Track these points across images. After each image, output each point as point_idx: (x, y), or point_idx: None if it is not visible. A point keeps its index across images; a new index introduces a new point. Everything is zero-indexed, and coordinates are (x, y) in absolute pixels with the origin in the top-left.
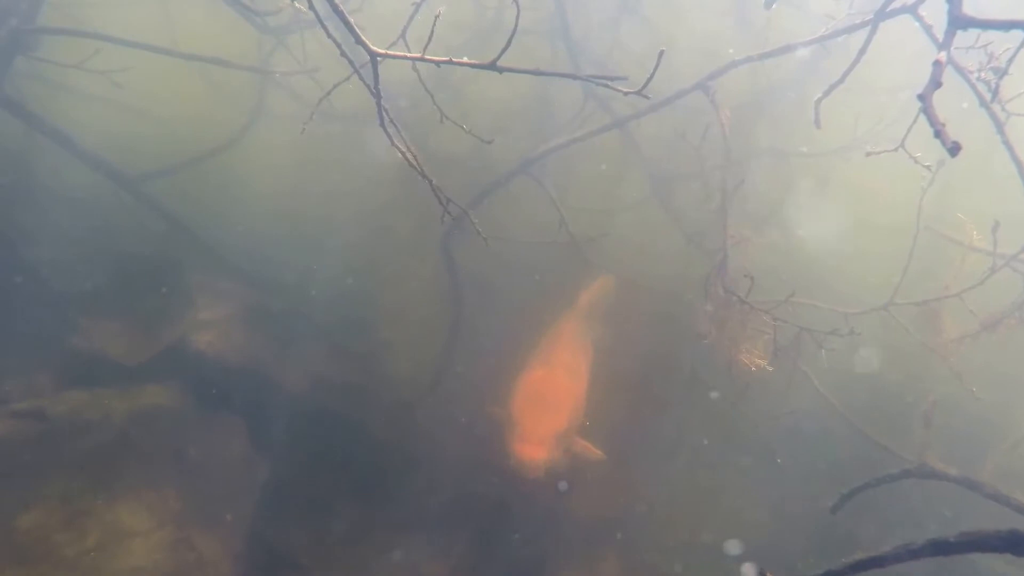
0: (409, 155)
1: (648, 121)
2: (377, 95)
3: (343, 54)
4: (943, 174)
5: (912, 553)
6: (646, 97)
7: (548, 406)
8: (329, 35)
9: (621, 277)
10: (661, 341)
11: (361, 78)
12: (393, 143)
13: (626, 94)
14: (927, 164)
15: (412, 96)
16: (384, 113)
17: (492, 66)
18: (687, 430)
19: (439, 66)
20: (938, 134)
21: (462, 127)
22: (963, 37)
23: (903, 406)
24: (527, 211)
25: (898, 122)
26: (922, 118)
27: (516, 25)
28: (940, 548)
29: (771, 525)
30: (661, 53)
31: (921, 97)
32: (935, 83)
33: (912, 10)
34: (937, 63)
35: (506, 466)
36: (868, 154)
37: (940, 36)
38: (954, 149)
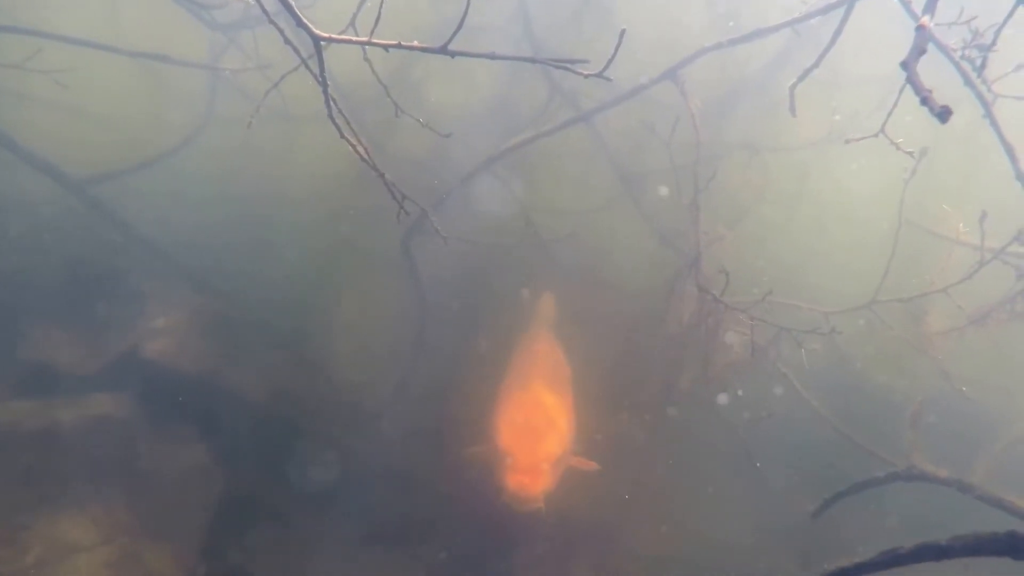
0: (360, 148)
1: (616, 118)
2: (323, 83)
3: (286, 41)
4: (926, 167)
5: (899, 559)
6: (607, 79)
7: (538, 430)
8: (270, 19)
9: (590, 279)
10: (633, 344)
11: (307, 66)
12: (342, 135)
13: (587, 76)
14: (909, 151)
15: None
16: (332, 103)
17: (443, 50)
18: (661, 435)
19: (388, 51)
20: (925, 101)
21: (418, 120)
22: (945, 13)
23: (889, 407)
24: (492, 212)
25: (875, 115)
26: (901, 106)
27: (467, 6)
28: (931, 553)
29: (751, 532)
30: (622, 32)
31: (904, 64)
32: (919, 50)
33: None
34: (920, 28)
35: (500, 502)
36: (847, 141)
37: (920, 6)
38: (944, 114)
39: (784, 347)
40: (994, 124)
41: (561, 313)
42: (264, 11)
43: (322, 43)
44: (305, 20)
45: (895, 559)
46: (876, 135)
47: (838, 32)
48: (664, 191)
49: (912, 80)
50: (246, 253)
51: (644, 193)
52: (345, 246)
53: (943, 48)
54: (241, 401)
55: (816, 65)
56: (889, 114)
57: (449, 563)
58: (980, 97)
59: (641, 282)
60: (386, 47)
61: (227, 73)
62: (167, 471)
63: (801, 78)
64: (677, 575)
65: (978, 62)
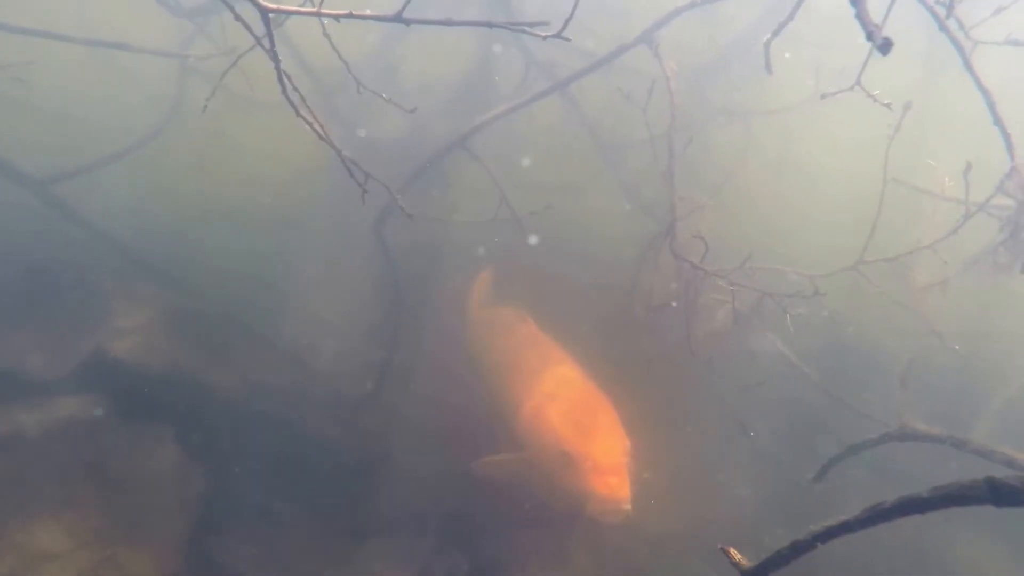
0: (316, 126)
1: (597, 91)
2: (275, 59)
3: (237, 17)
4: (913, 124)
5: (883, 514)
6: (566, 39)
7: (606, 425)
8: None
9: (568, 253)
10: (615, 318)
11: (259, 43)
12: (299, 113)
13: (545, 38)
14: (886, 102)
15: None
16: (285, 79)
17: (398, 18)
18: (649, 409)
19: (339, 20)
20: (870, 36)
21: (382, 95)
22: None
23: (882, 368)
24: (470, 191)
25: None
26: (886, 66)
27: None
28: (914, 506)
29: (751, 505)
30: None
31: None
32: None
33: None
34: None
35: (583, 512)
36: (823, 96)
37: None
38: (885, 47)
39: (772, 313)
40: (970, 69)
41: (538, 290)
42: None
43: (270, 15)
44: None
45: (880, 514)
46: (852, 87)
47: None
48: (646, 163)
49: (860, 15)
50: (215, 246)
51: (624, 164)
52: (317, 234)
53: None
54: (217, 396)
55: (790, 18)
56: (864, 65)
57: (446, 550)
58: (954, 42)
59: (621, 254)
60: (336, 17)
61: (191, 60)
62: (143, 473)
63: (775, 33)
64: (679, 552)
65: (948, 2)
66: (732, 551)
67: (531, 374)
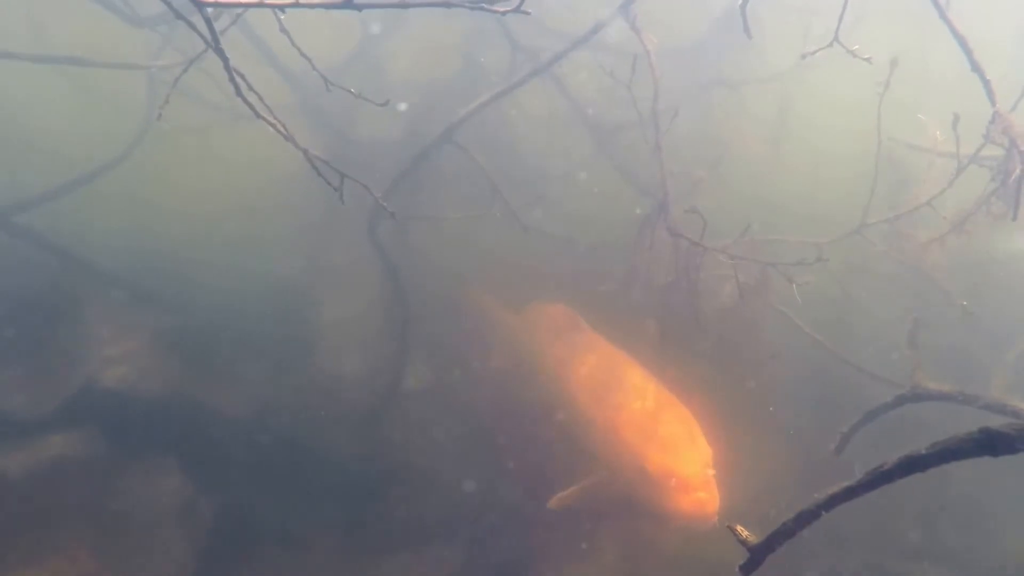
0: (279, 126)
1: (585, 74)
2: (223, 56)
3: (178, 15)
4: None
5: (885, 476)
6: (526, 13)
7: (680, 438)
8: None
9: (569, 241)
10: (621, 301)
11: (207, 42)
12: (259, 115)
13: (504, 13)
14: (866, 57)
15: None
16: (238, 79)
17: (347, 4)
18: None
19: (284, 11)
20: None
21: (350, 90)
22: None
23: (892, 332)
24: (463, 186)
25: (846, 35)
26: (872, 25)
27: None
28: (915, 464)
29: (774, 482)
30: None
31: None
32: None
33: None
34: None
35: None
36: (804, 56)
37: None
38: None
39: (778, 284)
40: (945, 18)
41: (538, 277)
42: None
43: (208, 9)
44: None
45: (883, 476)
46: (830, 44)
47: None
48: (639, 142)
49: None
50: (202, 262)
51: (617, 146)
52: (312, 242)
53: None
54: (219, 419)
55: None
56: (840, 19)
57: (476, 558)
58: None
59: (622, 237)
60: (282, 7)
61: (153, 70)
62: (144, 508)
63: None
64: (709, 545)
65: None
66: (739, 528)
67: (597, 385)
